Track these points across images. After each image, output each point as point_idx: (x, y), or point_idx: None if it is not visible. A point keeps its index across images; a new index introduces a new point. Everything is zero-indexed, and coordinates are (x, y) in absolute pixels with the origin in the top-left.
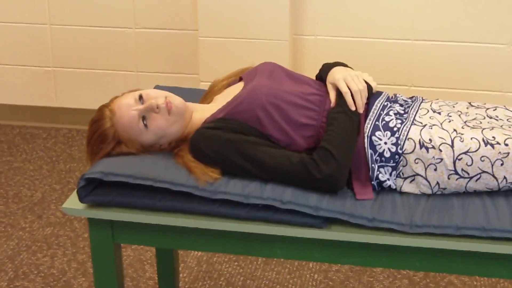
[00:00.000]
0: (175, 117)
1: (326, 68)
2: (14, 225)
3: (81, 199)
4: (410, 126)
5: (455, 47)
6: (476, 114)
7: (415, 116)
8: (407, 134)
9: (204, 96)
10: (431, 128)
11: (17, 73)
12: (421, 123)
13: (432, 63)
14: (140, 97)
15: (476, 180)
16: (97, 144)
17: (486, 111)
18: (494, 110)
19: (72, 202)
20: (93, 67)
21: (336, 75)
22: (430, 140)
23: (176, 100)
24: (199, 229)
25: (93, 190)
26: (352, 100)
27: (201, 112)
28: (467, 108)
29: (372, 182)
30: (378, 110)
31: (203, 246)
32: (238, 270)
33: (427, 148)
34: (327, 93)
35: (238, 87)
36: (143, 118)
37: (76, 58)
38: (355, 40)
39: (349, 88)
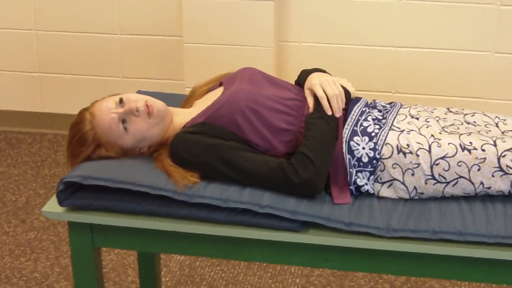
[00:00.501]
0: (155, 120)
1: (304, 74)
2: None
3: (60, 202)
4: (388, 132)
5: (438, 54)
6: (454, 119)
7: (393, 121)
8: (385, 139)
9: (185, 101)
10: (409, 134)
11: (3, 78)
12: (399, 128)
13: (416, 70)
14: (121, 100)
15: (453, 185)
16: (77, 147)
17: (464, 116)
18: (472, 115)
19: (52, 206)
20: (78, 73)
21: (313, 80)
22: (408, 145)
23: (157, 103)
24: (178, 233)
25: (73, 193)
26: (328, 104)
27: (182, 116)
28: (445, 113)
29: (350, 187)
30: (356, 116)
31: (183, 249)
32: (220, 274)
33: (404, 153)
34: (306, 98)
35: (218, 92)
36: (123, 121)
37: (62, 63)
38: (339, 47)
39: (325, 93)
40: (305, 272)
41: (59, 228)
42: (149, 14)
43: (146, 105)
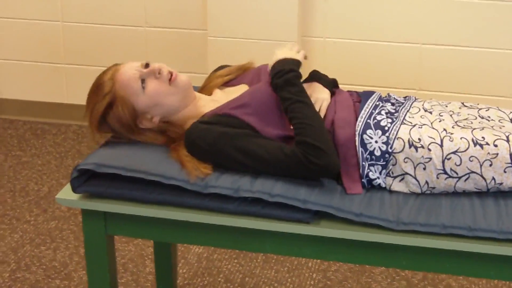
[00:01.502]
0: (175, 88)
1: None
2: (19, 218)
3: (74, 189)
4: (400, 126)
5: (463, 51)
6: (468, 114)
7: (405, 115)
8: (396, 134)
9: (202, 87)
10: (421, 128)
11: (29, 69)
12: (411, 122)
13: (441, 67)
14: (147, 64)
15: (465, 180)
16: (93, 96)
17: (478, 111)
18: (486, 110)
19: (67, 193)
20: (104, 65)
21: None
22: (419, 139)
23: (182, 75)
24: (190, 223)
25: (87, 181)
26: None
27: (203, 102)
28: (459, 108)
29: (362, 180)
30: (370, 109)
31: (194, 239)
32: (237, 267)
33: (416, 148)
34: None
35: (241, 88)
36: (143, 81)
37: (88, 55)
38: (363, 43)
39: None
40: (322, 267)
41: (79, 218)
42: (175, 7)
43: (170, 72)
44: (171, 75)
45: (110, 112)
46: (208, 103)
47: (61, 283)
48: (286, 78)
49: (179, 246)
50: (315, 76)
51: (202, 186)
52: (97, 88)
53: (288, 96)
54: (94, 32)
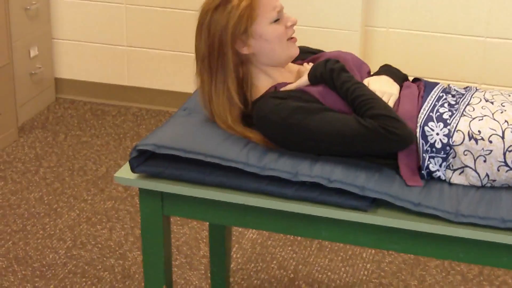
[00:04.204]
0: (287, 48)
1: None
2: (77, 197)
3: (133, 169)
4: (460, 118)
5: None
6: None
7: (465, 107)
8: (456, 126)
9: None
10: (482, 119)
11: (92, 51)
12: (471, 115)
13: (504, 61)
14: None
15: None
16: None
17: None
18: None
19: (125, 172)
20: (165, 48)
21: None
22: (479, 131)
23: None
24: (247, 206)
25: (145, 161)
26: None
27: (281, 74)
28: None
29: (422, 172)
30: (433, 101)
31: (250, 223)
32: (291, 254)
33: (476, 140)
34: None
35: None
36: (277, 19)
37: (150, 38)
38: (427, 34)
39: None
40: (376, 258)
41: (136, 200)
42: None
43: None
44: (294, 37)
45: (224, 9)
46: (283, 74)
47: (116, 262)
48: (340, 65)
49: (234, 231)
50: (387, 70)
51: (261, 168)
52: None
53: (347, 79)
54: (157, 15)
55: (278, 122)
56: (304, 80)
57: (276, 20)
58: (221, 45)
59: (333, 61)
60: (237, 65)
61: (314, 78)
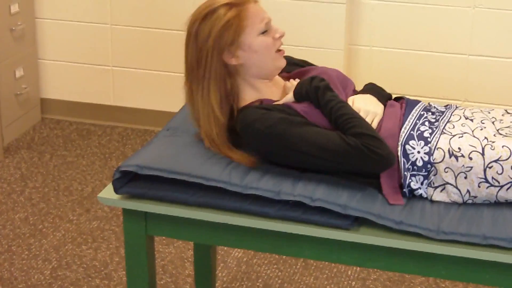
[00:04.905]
0: (275, 60)
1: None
2: (62, 217)
3: (116, 190)
4: (440, 136)
5: (511, 63)
6: (511, 122)
7: (445, 125)
8: (436, 144)
9: None
10: (462, 137)
11: (77, 71)
12: (451, 132)
13: (487, 78)
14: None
15: (507, 189)
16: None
17: None
18: None
19: (108, 193)
20: (151, 68)
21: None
22: (460, 148)
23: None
24: (230, 225)
25: (128, 182)
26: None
27: (271, 86)
28: (502, 115)
29: (404, 190)
30: (414, 119)
31: (233, 242)
32: (276, 273)
33: (456, 157)
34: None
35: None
36: (264, 31)
37: (135, 58)
38: (410, 52)
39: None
40: (361, 276)
41: (121, 219)
42: None
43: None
44: (282, 50)
45: (211, 20)
46: (272, 90)
47: (101, 282)
48: (325, 84)
49: (219, 250)
50: (372, 89)
51: (243, 187)
52: (223, 23)
53: (331, 97)
54: (143, 35)
55: (263, 130)
56: (289, 97)
57: (264, 32)
58: (207, 54)
59: (319, 79)
60: (224, 76)
61: (299, 95)
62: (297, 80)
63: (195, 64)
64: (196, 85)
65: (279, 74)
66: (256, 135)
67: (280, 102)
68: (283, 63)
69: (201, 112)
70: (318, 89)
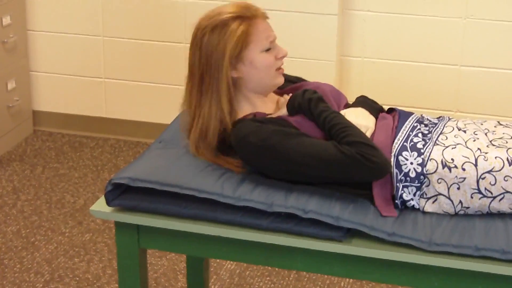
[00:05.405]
0: (274, 77)
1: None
2: (54, 230)
3: (108, 202)
4: (433, 147)
5: (503, 74)
6: (504, 133)
7: (438, 136)
8: (429, 155)
9: None
10: (455, 148)
11: (69, 83)
12: (444, 144)
13: (479, 89)
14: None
15: (500, 200)
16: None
17: None
18: None
19: (101, 205)
20: (143, 80)
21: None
22: (452, 159)
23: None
24: (222, 238)
25: (121, 194)
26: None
27: (266, 101)
28: (495, 126)
29: (396, 201)
30: (407, 131)
31: (226, 254)
32: (269, 285)
33: (449, 168)
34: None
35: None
36: (268, 48)
37: (127, 70)
38: (402, 63)
39: None
40: (354, 287)
41: (114, 231)
42: None
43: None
44: (282, 69)
45: (222, 30)
46: (266, 104)
47: None
48: (317, 96)
49: (212, 262)
50: (363, 102)
51: (235, 199)
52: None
53: (324, 108)
54: (135, 47)
55: (257, 143)
56: (283, 112)
57: (268, 50)
58: (217, 67)
59: (311, 91)
60: (230, 87)
61: (292, 108)
62: (290, 95)
63: (201, 73)
64: (200, 93)
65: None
66: (251, 148)
67: (274, 116)
68: (281, 81)
69: (202, 120)
70: (311, 101)
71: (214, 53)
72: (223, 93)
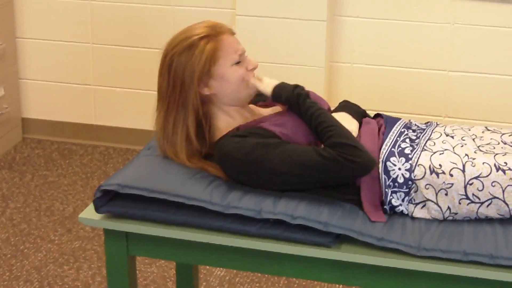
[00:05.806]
0: (248, 89)
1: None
2: (44, 237)
3: (97, 209)
4: (421, 152)
5: (491, 79)
6: (491, 138)
7: (426, 142)
8: (417, 160)
9: None
10: (442, 154)
11: (58, 90)
12: (432, 149)
13: (468, 94)
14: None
15: (487, 206)
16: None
17: (501, 136)
18: (510, 135)
19: (90, 213)
20: (132, 87)
21: None
22: (440, 165)
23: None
24: (211, 244)
25: (109, 201)
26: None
27: (243, 112)
28: (482, 132)
29: (385, 207)
30: (395, 137)
31: (215, 261)
32: None
33: (437, 174)
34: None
35: (275, 109)
36: (238, 62)
37: (117, 77)
38: (390, 69)
39: None
40: None
41: (103, 239)
42: None
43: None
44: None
45: (189, 52)
46: (245, 114)
47: None
48: (306, 92)
49: (201, 269)
50: (346, 106)
51: (224, 207)
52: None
53: (311, 105)
54: (124, 54)
55: (240, 158)
56: (267, 91)
57: (238, 63)
58: (184, 87)
59: (301, 87)
60: (197, 106)
61: (277, 98)
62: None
63: (169, 94)
64: (168, 112)
65: (256, 104)
66: (235, 164)
67: (258, 87)
68: (254, 91)
69: (171, 140)
70: (299, 96)
71: (183, 74)
72: (189, 112)
